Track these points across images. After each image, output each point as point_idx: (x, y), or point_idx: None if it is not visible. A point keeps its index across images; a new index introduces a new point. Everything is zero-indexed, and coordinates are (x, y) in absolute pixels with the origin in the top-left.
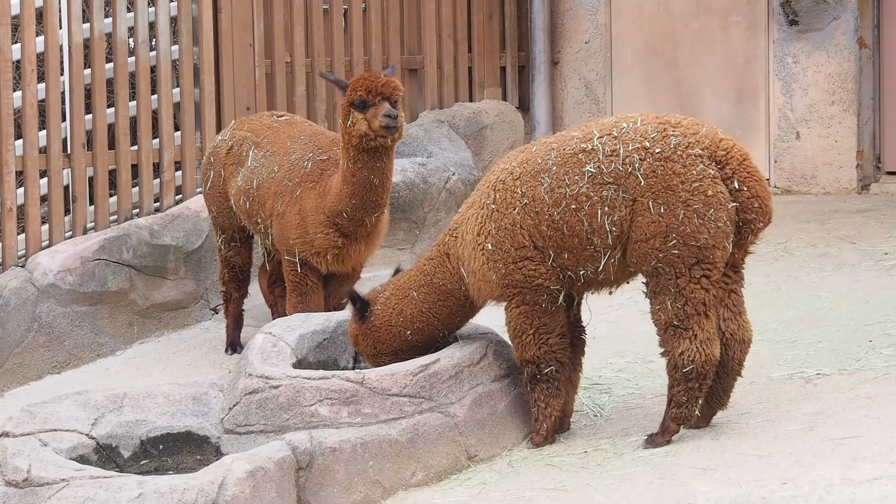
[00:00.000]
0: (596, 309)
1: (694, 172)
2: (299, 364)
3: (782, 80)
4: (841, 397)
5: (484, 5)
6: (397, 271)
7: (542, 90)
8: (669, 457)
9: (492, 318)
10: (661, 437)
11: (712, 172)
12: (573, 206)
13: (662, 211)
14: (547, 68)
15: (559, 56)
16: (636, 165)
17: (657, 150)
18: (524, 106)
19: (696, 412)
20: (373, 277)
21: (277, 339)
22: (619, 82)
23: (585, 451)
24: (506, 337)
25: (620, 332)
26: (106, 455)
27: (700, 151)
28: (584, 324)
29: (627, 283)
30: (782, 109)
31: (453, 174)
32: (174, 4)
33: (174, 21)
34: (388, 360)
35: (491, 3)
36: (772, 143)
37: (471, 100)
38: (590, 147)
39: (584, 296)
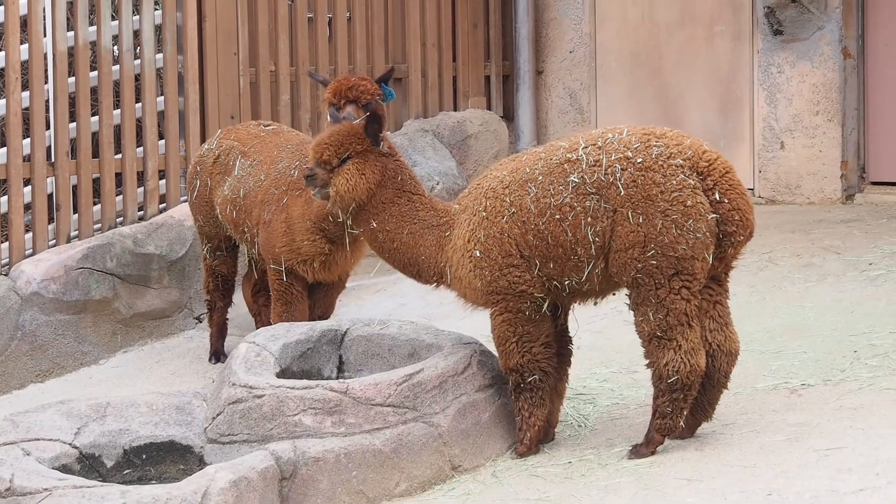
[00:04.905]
0: (580, 318)
1: (674, 182)
2: (283, 373)
3: (767, 89)
4: (826, 408)
5: (468, 14)
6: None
7: (527, 99)
8: (654, 467)
9: (476, 327)
10: (645, 448)
11: (692, 183)
12: (557, 217)
13: (641, 221)
14: (531, 77)
15: (543, 65)
16: (617, 175)
17: (638, 160)
18: (508, 115)
19: (681, 423)
20: (357, 287)
21: (261, 348)
22: (604, 92)
23: (570, 462)
24: (491, 347)
25: (605, 342)
26: (89, 464)
27: (681, 162)
28: (570, 334)
29: (613, 294)
30: (767, 119)
31: (437, 183)
32: (158, 13)
33: (158, 29)
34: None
35: (476, 13)
36: (756, 153)
37: (455, 109)
38: (574, 157)
39: (572, 306)
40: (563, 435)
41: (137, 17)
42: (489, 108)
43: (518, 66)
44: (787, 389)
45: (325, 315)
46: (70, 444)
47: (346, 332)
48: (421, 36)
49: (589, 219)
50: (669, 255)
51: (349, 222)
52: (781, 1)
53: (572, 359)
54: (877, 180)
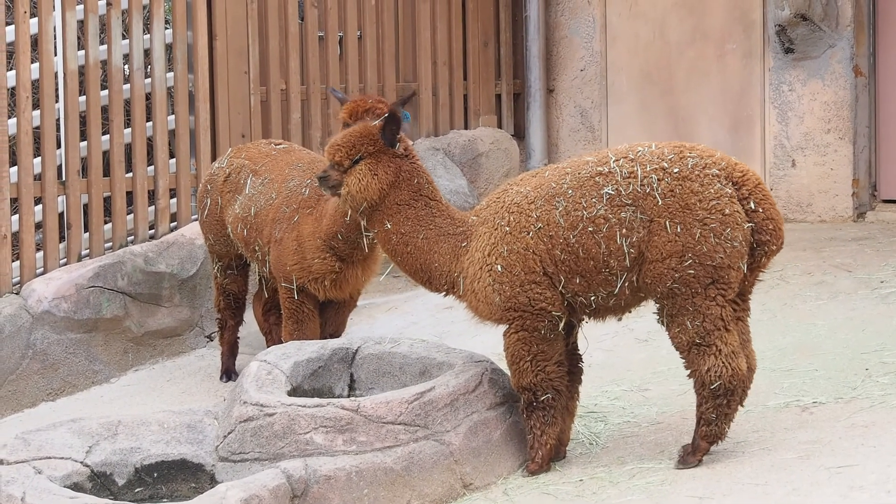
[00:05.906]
0: (591, 337)
1: (711, 191)
2: (294, 392)
3: (778, 107)
4: (837, 426)
5: (479, 33)
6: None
7: (538, 118)
8: (665, 485)
9: (487, 345)
10: (692, 457)
11: (729, 192)
12: (590, 229)
13: (679, 230)
14: (542, 96)
15: (554, 84)
16: (654, 185)
17: (675, 170)
18: (519, 134)
19: (727, 430)
20: (368, 305)
21: (272, 366)
22: (615, 110)
23: (581, 480)
24: (501, 365)
25: (616, 360)
26: (100, 483)
27: (717, 172)
28: (580, 352)
29: (630, 311)
30: (778, 137)
31: (449, 202)
32: (169, 31)
33: (169, 48)
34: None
35: (486, 31)
36: (767, 171)
37: (466, 127)
38: (606, 170)
39: (581, 324)
40: (575, 453)
41: (148, 35)
42: (500, 126)
43: (529, 85)
44: (798, 407)
45: (336, 333)
46: (81, 463)
47: (357, 350)
48: (432, 54)
49: (624, 230)
50: (707, 263)
51: (363, 223)
52: (793, 19)
53: (583, 377)
54: (888, 198)
